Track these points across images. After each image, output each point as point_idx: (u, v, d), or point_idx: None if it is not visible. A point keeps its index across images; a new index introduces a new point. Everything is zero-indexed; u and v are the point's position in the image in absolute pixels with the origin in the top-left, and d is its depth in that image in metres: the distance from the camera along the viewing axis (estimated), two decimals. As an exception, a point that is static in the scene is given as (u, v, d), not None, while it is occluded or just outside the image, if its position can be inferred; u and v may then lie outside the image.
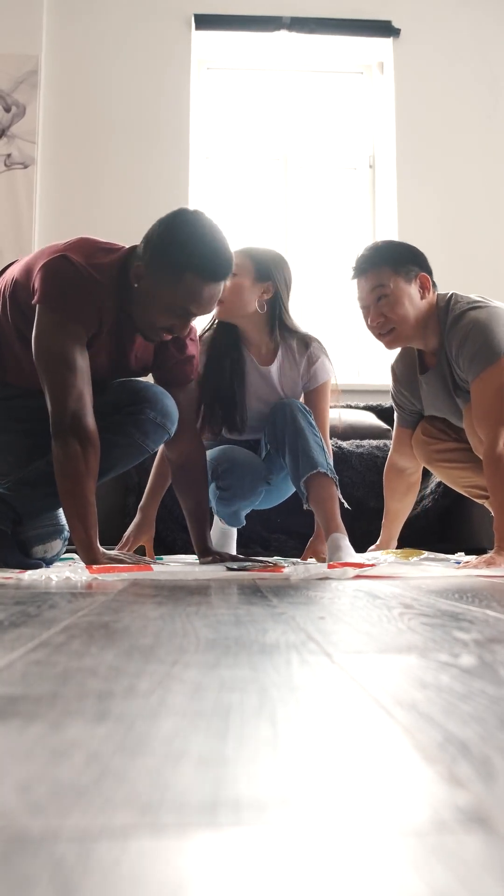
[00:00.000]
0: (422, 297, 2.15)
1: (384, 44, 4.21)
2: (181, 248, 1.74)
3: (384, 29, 4.17)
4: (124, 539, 2.31)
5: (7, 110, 3.90)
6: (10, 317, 1.89)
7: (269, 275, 2.20)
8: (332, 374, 2.35)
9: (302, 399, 2.33)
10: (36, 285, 1.78)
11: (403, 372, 2.38)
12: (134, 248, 1.87)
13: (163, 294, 1.77)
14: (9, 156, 3.87)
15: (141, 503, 2.36)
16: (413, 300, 2.13)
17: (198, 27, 4.07)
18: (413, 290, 2.14)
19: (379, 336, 2.18)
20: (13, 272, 1.91)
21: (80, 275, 1.76)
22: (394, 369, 2.43)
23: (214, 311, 2.13)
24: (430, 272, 2.19)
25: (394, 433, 2.54)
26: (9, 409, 1.98)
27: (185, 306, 1.79)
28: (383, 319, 2.14)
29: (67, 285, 1.76)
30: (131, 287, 1.81)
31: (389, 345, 2.21)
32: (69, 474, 1.77)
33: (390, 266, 2.12)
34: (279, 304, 2.23)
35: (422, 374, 2.29)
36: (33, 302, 1.79)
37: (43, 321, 1.77)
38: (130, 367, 2.01)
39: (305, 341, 2.31)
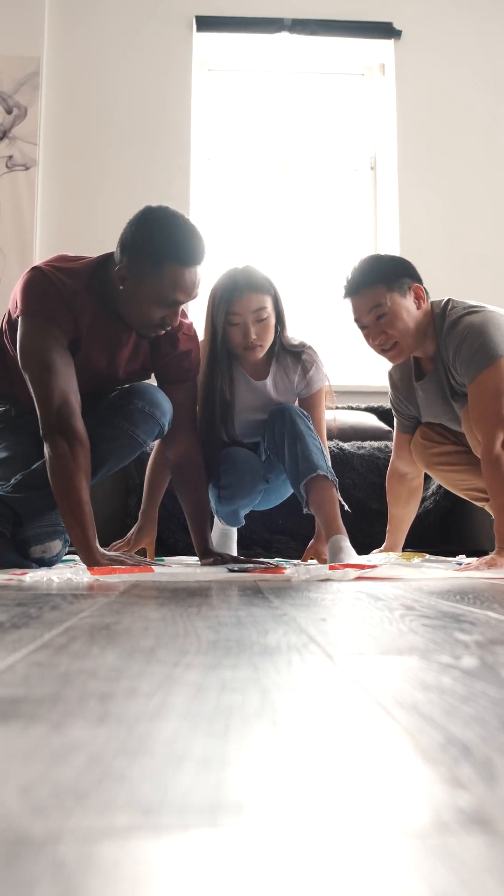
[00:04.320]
0: (417, 308, 2.16)
1: (385, 45, 4.21)
2: (155, 242, 1.82)
3: (385, 30, 4.17)
4: (127, 540, 2.32)
5: (9, 112, 3.90)
6: (10, 346, 1.97)
7: (279, 301, 2.21)
8: (326, 378, 2.34)
9: (296, 404, 2.34)
10: (17, 301, 1.88)
11: (401, 378, 2.39)
12: (108, 255, 1.94)
13: (148, 288, 1.84)
14: (10, 157, 3.87)
15: (141, 508, 2.36)
16: (410, 312, 2.14)
17: (199, 29, 4.07)
18: (409, 302, 2.14)
19: (382, 352, 2.20)
20: (8, 305, 2.00)
21: (50, 280, 1.86)
22: (391, 376, 2.44)
23: (250, 354, 2.15)
24: (420, 280, 2.19)
25: (394, 439, 2.55)
26: (19, 425, 2.06)
27: (171, 296, 1.84)
28: (384, 337, 2.15)
29: (40, 290, 1.85)
30: (115, 289, 1.87)
31: (394, 359, 2.22)
32: (60, 473, 1.80)
33: (384, 284, 2.12)
34: (281, 323, 2.24)
35: (418, 380, 2.30)
36: (14, 316, 1.89)
37: (23, 328, 1.86)
38: (128, 369, 2.03)
39: (297, 352, 2.30)
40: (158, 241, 1.81)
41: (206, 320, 2.20)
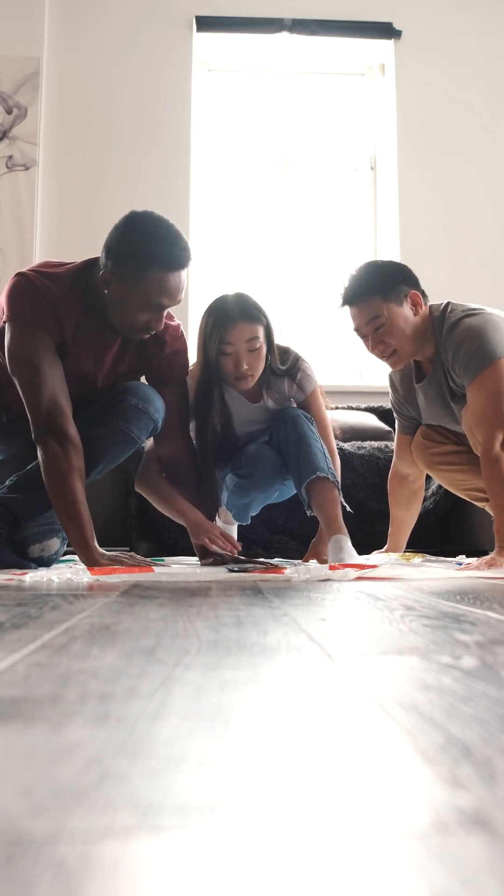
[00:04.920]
0: (415, 314, 2.16)
1: (385, 45, 4.21)
2: (139, 247, 1.82)
3: (385, 31, 4.17)
4: (205, 552, 2.10)
5: (9, 112, 3.90)
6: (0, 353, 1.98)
7: (270, 329, 2.20)
8: (315, 380, 2.34)
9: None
10: (3, 307, 1.90)
11: (401, 381, 2.40)
12: (93, 260, 1.95)
13: (132, 293, 1.84)
14: (10, 157, 3.87)
15: (183, 519, 2.16)
16: (408, 320, 2.15)
17: (199, 29, 4.07)
18: (406, 310, 2.15)
19: (382, 359, 2.20)
20: None
21: (34, 284, 1.88)
22: (392, 379, 2.44)
23: (241, 384, 2.14)
24: (417, 284, 2.19)
25: (395, 441, 2.56)
26: (11, 430, 2.07)
27: (155, 300, 1.85)
28: (384, 346, 2.16)
29: (23, 294, 1.87)
30: (100, 293, 1.89)
31: (395, 366, 2.24)
32: (53, 475, 1.81)
33: (380, 294, 2.13)
34: (271, 351, 2.22)
35: (418, 382, 2.31)
36: (1, 323, 1.89)
37: (10, 333, 1.87)
38: (116, 371, 2.04)
39: (286, 368, 2.28)
40: (143, 245, 1.82)
41: (197, 346, 2.19)
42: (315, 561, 2.34)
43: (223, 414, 2.24)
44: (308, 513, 2.20)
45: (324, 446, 2.21)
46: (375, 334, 2.15)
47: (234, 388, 2.21)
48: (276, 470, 2.24)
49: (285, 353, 2.31)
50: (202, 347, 2.16)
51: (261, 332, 2.13)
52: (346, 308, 2.20)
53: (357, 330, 2.20)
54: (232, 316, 2.10)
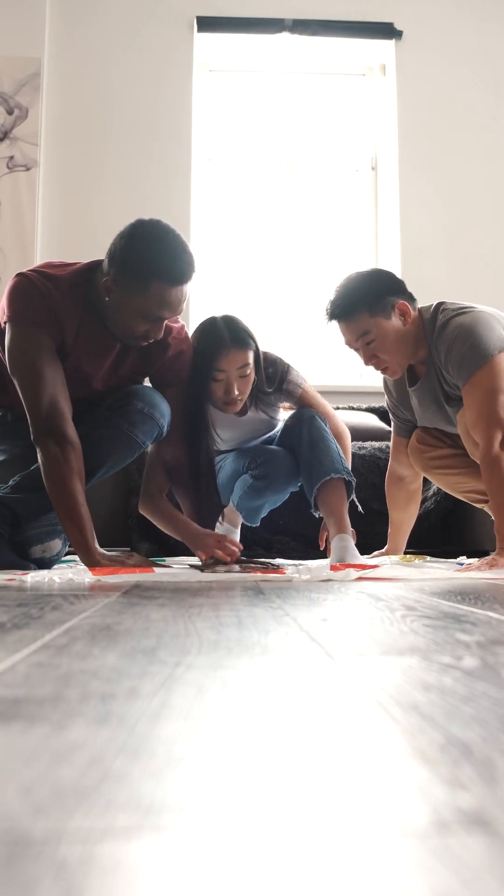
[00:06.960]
0: (404, 324, 2.14)
1: (386, 46, 4.21)
2: (143, 259, 1.81)
3: (386, 31, 4.17)
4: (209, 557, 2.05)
5: (10, 112, 3.90)
6: (2, 353, 1.97)
7: (259, 353, 2.19)
8: (302, 381, 2.33)
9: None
10: (4, 308, 1.90)
11: (394, 385, 2.39)
12: (96, 263, 1.94)
13: (133, 304, 1.84)
14: (11, 158, 3.87)
15: (183, 536, 2.14)
16: (398, 331, 2.13)
17: (200, 29, 4.07)
18: (395, 321, 2.13)
19: (377, 369, 2.20)
20: None
21: (34, 285, 1.87)
22: (385, 382, 2.43)
23: (230, 408, 2.14)
24: (403, 290, 2.17)
25: (391, 443, 2.55)
26: (15, 430, 2.06)
27: (156, 312, 1.84)
28: (377, 360, 2.16)
29: (24, 295, 1.87)
30: (101, 299, 1.89)
31: (391, 376, 2.24)
32: (53, 477, 1.81)
33: (366, 311, 2.11)
34: (259, 374, 2.21)
35: (412, 385, 2.29)
36: (3, 323, 1.89)
37: (10, 334, 1.87)
38: (118, 373, 2.04)
39: (272, 390, 2.28)
40: (146, 258, 1.80)
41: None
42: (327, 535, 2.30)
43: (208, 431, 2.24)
44: (316, 514, 2.20)
45: (338, 446, 2.22)
46: (367, 349, 2.14)
47: (221, 411, 2.21)
48: (292, 472, 2.25)
49: (273, 363, 2.28)
50: (192, 369, 2.13)
51: (251, 357, 2.13)
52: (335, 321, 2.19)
53: (348, 344, 2.19)
54: (224, 343, 2.08)
